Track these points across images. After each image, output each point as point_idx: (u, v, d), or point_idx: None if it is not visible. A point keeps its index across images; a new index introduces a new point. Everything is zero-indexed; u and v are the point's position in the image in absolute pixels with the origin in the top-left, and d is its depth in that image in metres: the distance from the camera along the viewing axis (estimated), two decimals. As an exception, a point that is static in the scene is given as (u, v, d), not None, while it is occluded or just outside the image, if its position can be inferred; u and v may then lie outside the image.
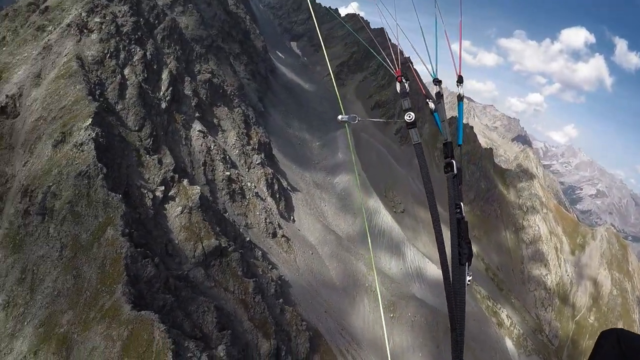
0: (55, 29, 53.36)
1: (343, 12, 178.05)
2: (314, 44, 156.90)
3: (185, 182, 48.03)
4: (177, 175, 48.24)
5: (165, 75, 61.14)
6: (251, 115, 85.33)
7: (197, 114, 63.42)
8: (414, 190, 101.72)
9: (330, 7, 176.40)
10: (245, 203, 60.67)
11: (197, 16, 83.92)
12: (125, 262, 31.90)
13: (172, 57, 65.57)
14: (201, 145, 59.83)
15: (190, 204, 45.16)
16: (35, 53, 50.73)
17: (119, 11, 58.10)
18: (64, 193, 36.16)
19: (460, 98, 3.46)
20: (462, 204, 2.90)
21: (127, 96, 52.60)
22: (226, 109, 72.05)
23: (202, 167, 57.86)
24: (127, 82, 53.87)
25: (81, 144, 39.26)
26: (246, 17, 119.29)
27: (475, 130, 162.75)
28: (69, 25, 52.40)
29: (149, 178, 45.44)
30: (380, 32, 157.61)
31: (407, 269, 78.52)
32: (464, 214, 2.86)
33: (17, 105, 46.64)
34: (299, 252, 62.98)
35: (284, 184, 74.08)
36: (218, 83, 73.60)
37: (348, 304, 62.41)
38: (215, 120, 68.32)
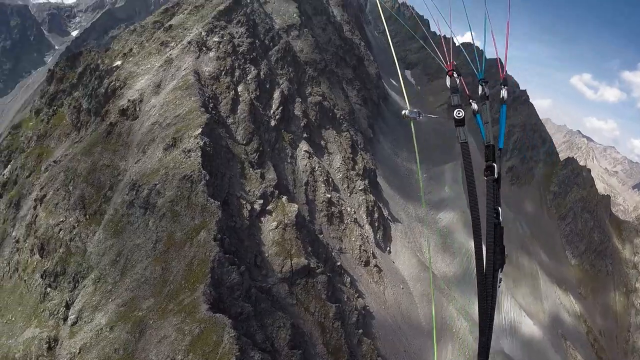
0: (177, 45, 57.13)
1: (459, 40, 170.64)
2: (428, 73, 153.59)
3: (284, 198, 47.60)
4: (277, 191, 48.04)
5: (276, 94, 62.40)
6: (359, 140, 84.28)
7: (304, 135, 63.63)
8: (520, 236, 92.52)
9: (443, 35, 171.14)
10: (342, 227, 58.82)
11: (312, 40, 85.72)
12: (212, 265, 32.47)
13: (284, 78, 67.04)
14: (306, 165, 59.54)
15: (286, 221, 44.47)
16: (158, 65, 54.79)
17: (237, 32, 60.90)
18: (167, 192, 38.48)
19: (503, 100, 3.34)
20: (499, 208, 2.82)
21: (238, 111, 54.14)
22: (334, 132, 71.66)
23: (304, 187, 57.34)
24: (240, 99, 55.59)
25: (189, 151, 41.16)
26: (361, 44, 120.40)
27: (592, 174, 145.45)
28: (189, 42, 55.81)
29: (249, 190, 45.75)
30: (496, 61, 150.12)
31: (500, 320, 70.63)
32: (501, 219, 2.81)
33: (137, 109, 50.74)
34: (389, 285, 59.28)
35: (385, 213, 71.13)
36: (328, 106, 73.78)
37: (430, 346, 57.11)
38: (322, 142, 68.06)
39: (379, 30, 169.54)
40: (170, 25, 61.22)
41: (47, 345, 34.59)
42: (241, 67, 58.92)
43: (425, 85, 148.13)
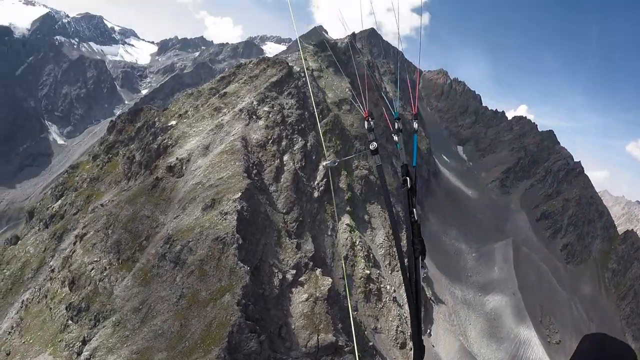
0: (229, 111, 59.91)
1: (511, 114, 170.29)
2: (479, 149, 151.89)
3: (318, 271, 46.78)
4: (312, 263, 47.40)
5: (322, 166, 63.20)
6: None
7: (348, 208, 63.57)
8: (576, 318, 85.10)
9: (496, 109, 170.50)
10: (380, 306, 56.62)
11: (362, 115, 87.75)
12: (231, 329, 32.25)
13: (331, 150, 68.15)
14: (346, 239, 58.98)
15: (318, 294, 43.40)
16: (209, 129, 57.57)
17: (287, 103, 63.39)
18: (199, 251, 39.31)
19: (415, 131, 4.85)
20: (414, 209, 3.55)
21: (281, 180, 55.04)
22: (379, 207, 71.17)
23: (342, 261, 56.22)
24: (284, 167, 56.70)
25: (226, 213, 42.11)
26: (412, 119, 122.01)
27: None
28: (240, 110, 58.44)
29: (283, 259, 45.45)
30: (549, 134, 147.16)
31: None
32: (417, 218, 3.50)
33: (184, 168, 53.17)
34: None
35: (428, 293, 68.29)
36: (374, 180, 73.78)
37: None
38: (366, 217, 67.57)
39: (431, 106, 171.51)
40: (225, 93, 64.68)
41: None
42: (289, 137, 60.65)
43: (476, 161, 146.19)
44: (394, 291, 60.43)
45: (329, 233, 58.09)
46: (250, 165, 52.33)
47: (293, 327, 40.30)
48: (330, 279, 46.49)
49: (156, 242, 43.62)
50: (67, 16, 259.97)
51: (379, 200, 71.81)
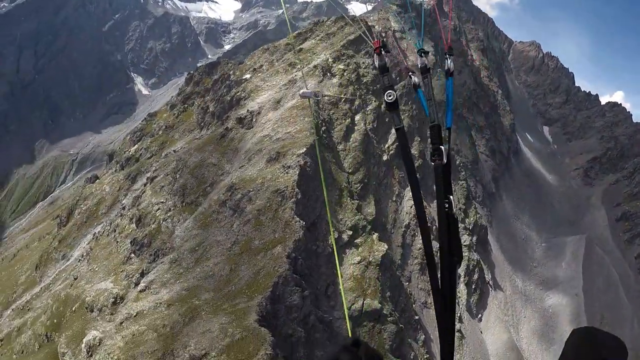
0: (303, 67, 59.20)
1: (605, 99, 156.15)
2: (567, 132, 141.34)
3: (375, 235, 46.03)
4: (369, 227, 46.49)
5: (394, 129, 61.62)
6: (478, 193, 79.81)
7: (417, 175, 61.51)
8: (636, 337, 78.54)
9: (589, 92, 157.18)
10: (434, 281, 55.19)
11: (444, 82, 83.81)
12: (277, 280, 32.83)
13: (406, 114, 66.05)
14: (410, 207, 57.42)
15: (371, 258, 42.97)
16: (282, 84, 57.67)
17: (363, 62, 61.68)
18: (257, 201, 40.38)
19: (449, 73, 3.00)
20: (451, 197, 2.59)
21: (350, 139, 54.29)
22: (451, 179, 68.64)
23: (404, 229, 55.12)
24: (355, 127, 55.80)
25: (288, 167, 42.43)
26: (498, 92, 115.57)
27: None
28: (315, 66, 57.73)
29: (341, 219, 45.20)
30: None
31: None
32: (454, 209, 2.60)
33: (253, 120, 54.10)
34: (467, 356, 53.75)
35: (487, 277, 65.65)
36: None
37: None
38: (434, 187, 65.35)
39: (520, 80, 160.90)
40: (301, 49, 64.11)
41: (113, 299, 38.70)
42: (362, 97, 59.30)
43: (562, 145, 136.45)
44: (454, 267, 58.71)
45: (394, 199, 56.95)
46: (320, 122, 51.85)
47: (340, 287, 40.51)
48: (386, 245, 45.74)
49: (219, 189, 45.26)
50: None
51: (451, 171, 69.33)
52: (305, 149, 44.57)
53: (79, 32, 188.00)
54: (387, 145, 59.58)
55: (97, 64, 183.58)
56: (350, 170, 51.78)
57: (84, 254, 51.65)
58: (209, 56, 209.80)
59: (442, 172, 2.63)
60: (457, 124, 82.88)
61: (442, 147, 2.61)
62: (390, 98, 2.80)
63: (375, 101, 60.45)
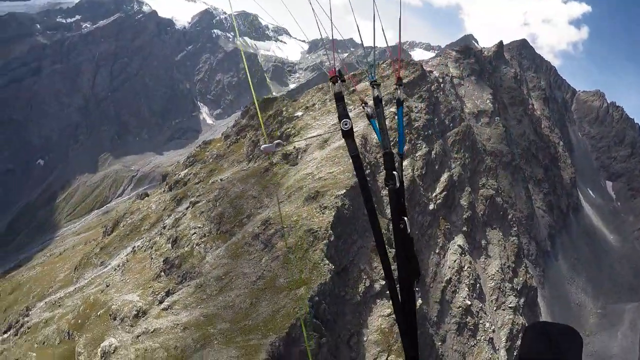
0: (354, 108, 57.67)
1: None
2: (632, 188, 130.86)
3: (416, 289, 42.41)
4: (408, 280, 43.17)
5: (444, 178, 58.64)
6: (531, 251, 74.33)
7: (464, 228, 57.97)
8: None
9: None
10: (471, 344, 50.51)
11: (502, 130, 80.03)
12: (295, 322, 31.46)
13: (458, 162, 62.75)
14: (455, 261, 53.65)
15: (403, 313, 39.27)
16: (331, 123, 56.74)
17: (415, 106, 59.70)
18: (289, 238, 38.78)
19: (400, 102, 3.21)
20: (406, 219, 2.70)
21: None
22: (500, 233, 63.96)
23: (444, 284, 51.18)
24: (403, 173, 52.98)
25: (325, 207, 40.71)
26: (559, 143, 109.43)
27: None
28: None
29: (376, 267, 42.37)
30: None
31: None
32: (409, 229, 2.70)
33: (299, 157, 53.54)
34: None
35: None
36: (501, 203, 66.65)
37: None
38: (482, 242, 61.03)
39: (583, 131, 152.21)
40: (354, 90, 62.71)
41: (136, 312, 39.15)
42: (412, 141, 56.88)
43: (626, 202, 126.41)
44: (493, 331, 53.58)
45: (437, 251, 53.32)
46: (365, 164, 49.76)
47: (365, 339, 38.07)
48: (420, 300, 42.23)
49: (255, 222, 44.37)
50: (225, 13, 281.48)
51: (502, 226, 64.59)
52: (345, 191, 42.73)
53: (153, 58, 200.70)
54: (434, 194, 56.47)
55: (166, 90, 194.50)
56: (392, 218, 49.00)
57: (121, 264, 53.03)
58: (274, 93, 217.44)
59: (395, 195, 2.72)
60: (514, 176, 78.04)
61: (395, 173, 2.73)
62: (345, 126, 2.79)
63: (425, 147, 57.78)
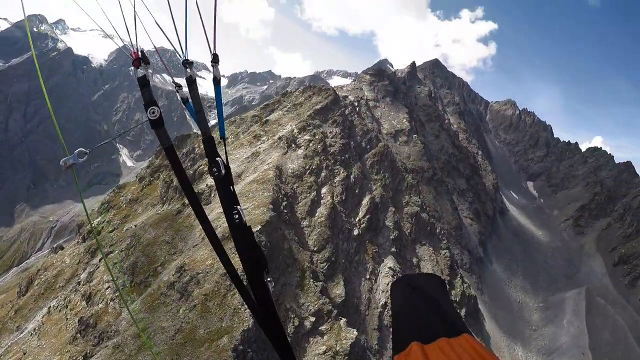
0: (268, 139, 55.12)
1: (584, 146, 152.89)
2: (551, 184, 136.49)
3: (342, 321, 39.91)
4: (336, 311, 40.26)
5: (365, 201, 56.68)
6: (465, 260, 73.52)
7: (393, 249, 55.89)
8: None
9: (569, 141, 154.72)
10: (416, 366, 47.71)
11: (421, 147, 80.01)
12: None
13: (379, 184, 61.15)
14: (387, 284, 51.33)
15: (338, 348, 36.76)
16: (245, 157, 54.22)
17: (330, 132, 57.83)
18: (206, 285, 36.19)
19: (216, 81, 2.67)
20: (239, 207, 2.40)
21: (316, 214, 49.25)
22: (431, 248, 62.62)
23: (380, 309, 48.48)
24: (321, 201, 50.96)
25: None
26: (478, 153, 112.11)
27: None
28: (279, 138, 53.98)
29: (303, 304, 39.59)
30: (627, 166, 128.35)
31: None
32: (244, 218, 2.41)
33: (212, 195, 50.01)
34: None
35: (484, 354, 57.67)
36: (427, 219, 65.65)
37: None
38: (414, 260, 59.22)
39: (499, 139, 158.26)
40: (267, 120, 60.55)
41: None
42: (329, 167, 54.77)
43: (548, 198, 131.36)
44: (439, 349, 51.23)
45: (367, 277, 50.85)
46: (281, 196, 47.05)
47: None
48: (355, 332, 39.33)
49: (170, 269, 41.23)
50: (142, 49, 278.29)
51: (431, 241, 63.27)
52: (260, 227, 40.12)
53: (68, 99, 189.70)
54: (357, 218, 54.41)
55: (83, 132, 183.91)
56: (315, 249, 46.24)
57: (36, 327, 47.79)
58: (194, 130, 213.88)
59: (223, 183, 2.39)
60: (437, 190, 77.96)
61: (219, 159, 2.38)
62: (153, 115, 2.38)
63: (343, 172, 55.79)
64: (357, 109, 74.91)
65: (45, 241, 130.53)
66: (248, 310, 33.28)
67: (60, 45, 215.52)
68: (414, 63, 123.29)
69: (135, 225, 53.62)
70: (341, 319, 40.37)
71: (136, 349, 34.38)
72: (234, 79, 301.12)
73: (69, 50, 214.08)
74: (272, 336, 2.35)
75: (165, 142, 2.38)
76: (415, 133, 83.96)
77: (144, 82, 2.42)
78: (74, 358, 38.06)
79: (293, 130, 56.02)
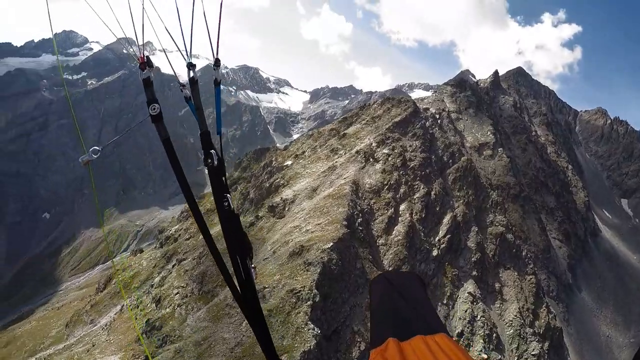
0: (345, 153, 52.23)
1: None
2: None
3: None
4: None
5: (447, 219, 52.11)
6: (551, 287, 65.92)
7: (474, 272, 50.77)
8: None
9: None
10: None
11: (507, 161, 73.01)
12: None
13: (461, 201, 56.14)
14: (465, 311, 46.36)
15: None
16: (321, 171, 52.02)
17: (410, 145, 53.75)
18: (271, 300, 34.30)
19: (217, 83, 2.94)
20: (229, 195, 2.51)
21: (393, 232, 45.62)
22: (515, 273, 56.26)
23: (456, 339, 43.77)
24: (399, 218, 47.23)
25: (309, 264, 35.62)
26: (568, 167, 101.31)
27: None
28: (357, 152, 51.00)
29: (372, 328, 35.47)
30: None
31: None
32: (232, 206, 2.50)
33: (286, 209, 48.14)
34: None
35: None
36: (513, 240, 59.07)
37: None
38: (496, 285, 53.33)
39: (590, 151, 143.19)
40: (345, 134, 57.88)
41: None
42: (409, 183, 50.86)
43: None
44: (517, 385, 45.41)
45: (445, 301, 46.25)
46: (357, 212, 43.92)
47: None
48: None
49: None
50: (226, 67, 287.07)
51: (516, 265, 56.97)
52: (332, 244, 37.43)
53: None
54: (437, 238, 49.95)
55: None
56: (390, 269, 42.44)
57: (108, 323, 49.73)
58: (277, 144, 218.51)
59: (215, 173, 2.53)
60: (524, 208, 70.42)
61: (213, 151, 2.53)
62: (154, 111, 2.61)
63: (423, 188, 51.59)
64: (439, 121, 69.87)
65: (131, 243, 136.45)
66: (311, 331, 31.35)
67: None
68: (496, 72, 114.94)
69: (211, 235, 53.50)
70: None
71: (196, 356, 33.85)
72: (316, 94, 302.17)
73: (156, 69, 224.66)
74: (254, 322, 2.29)
75: (163, 135, 2.51)
76: (501, 146, 77.09)
77: (147, 83, 2.57)
78: (137, 357, 38.83)
79: (371, 143, 52.80)
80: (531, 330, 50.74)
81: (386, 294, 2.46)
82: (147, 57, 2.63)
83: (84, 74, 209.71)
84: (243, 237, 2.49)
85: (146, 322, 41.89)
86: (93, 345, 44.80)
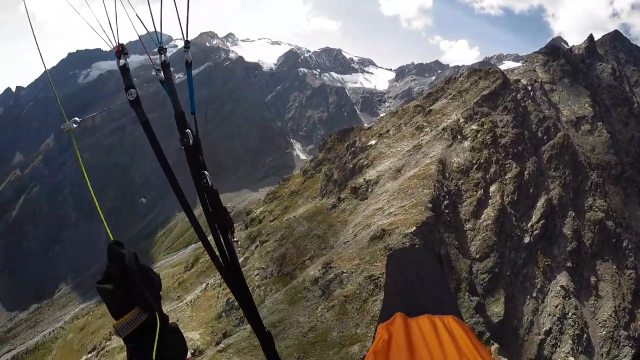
0: (431, 130, 47.58)
1: None
2: None
3: (494, 347, 32.59)
4: (489, 334, 33.87)
5: (541, 203, 46.48)
6: (658, 282, 57.45)
7: (568, 263, 44.69)
8: None
9: None
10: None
11: (607, 137, 63.76)
12: None
13: (557, 182, 49.67)
14: (556, 307, 41.17)
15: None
16: (406, 150, 48.57)
17: (501, 120, 47.85)
18: (348, 286, 33.13)
19: (187, 64, 2.89)
20: (206, 172, 2.51)
21: (482, 216, 41.29)
22: (614, 266, 49.09)
23: (542, 336, 39.08)
24: (489, 201, 42.77)
25: (390, 249, 32.69)
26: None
27: None
28: (444, 129, 46.68)
29: (456, 318, 31.97)
30: None
31: None
32: (210, 182, 2.50)
33: (369, 190, 45.56)
34: None
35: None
36: (613, 228, 51.63)
37: None
38: (592, 279, 46.73)
39: None
40: (430, 110, 53.28)
41: (192, 351, 36.57)
42: (500, 162, 45.61)
43: None
44: (607, 395, 39.89)
45: (534, 294, 41.37)
46: (443, 194, 39.95)
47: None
48: None
49: (317, 264, 38.75)
50: (309, 51, 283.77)
51: (615, 257, 49.90)
52: (415, 228, 34.46)
53: (244, 101, 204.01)
54: (530, 223, 44.58)
55: (259, 130, 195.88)
56: (477, 256, 38.53)
57: (192, 300, 51.32)
58: (365, 124, 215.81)
59: (191, 152, 2.51)
60: (626, 191, 61.38)
61: (188, 131, 2.50)
62: (131, 96, 2.53)
63: (516, 167, 45.97)
64: (531, 93, 62.10)
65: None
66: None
67: (231, 55, 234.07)
68: (591, 37, 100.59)
69: (295, 217, 52.79)
70: (493, 343, 32.66)
71: (269, 337, 33.28)
72: (401, 72, 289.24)
73: (240, 58, 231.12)
74: (238, 293, 2.30)
75: (142, 118, 2.45)
76: (600, 120, 67.66)
77: (124, 70, 2.55)
78: (215, 333, 39.08)
79: (459, 119, 47.89)
80: (625, 333, 43.89)
81: (400, 271, 2.42)
82: (122, 45, 2.49)
83: (170, 69, 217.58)
84: (223, 212, 2.44)
85: (227, 301, 42.33)
86: (177, 321, 44.96)
